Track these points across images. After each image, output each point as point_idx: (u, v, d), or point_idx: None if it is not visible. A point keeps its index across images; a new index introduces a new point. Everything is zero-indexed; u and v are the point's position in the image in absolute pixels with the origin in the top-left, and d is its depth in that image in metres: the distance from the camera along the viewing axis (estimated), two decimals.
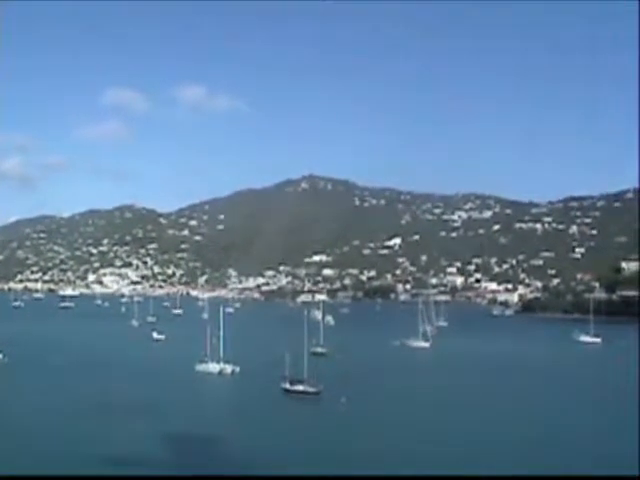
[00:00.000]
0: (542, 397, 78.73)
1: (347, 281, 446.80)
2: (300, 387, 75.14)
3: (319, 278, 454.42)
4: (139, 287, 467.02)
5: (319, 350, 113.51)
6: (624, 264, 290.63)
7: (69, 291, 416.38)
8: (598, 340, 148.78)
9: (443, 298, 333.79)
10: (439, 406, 71.99)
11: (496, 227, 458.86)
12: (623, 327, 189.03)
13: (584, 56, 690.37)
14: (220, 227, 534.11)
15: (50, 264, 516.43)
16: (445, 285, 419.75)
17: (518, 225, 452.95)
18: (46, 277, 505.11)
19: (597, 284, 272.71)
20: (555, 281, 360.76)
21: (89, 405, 66.94)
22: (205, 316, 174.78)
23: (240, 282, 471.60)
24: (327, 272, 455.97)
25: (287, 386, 76.27)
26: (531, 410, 70.38)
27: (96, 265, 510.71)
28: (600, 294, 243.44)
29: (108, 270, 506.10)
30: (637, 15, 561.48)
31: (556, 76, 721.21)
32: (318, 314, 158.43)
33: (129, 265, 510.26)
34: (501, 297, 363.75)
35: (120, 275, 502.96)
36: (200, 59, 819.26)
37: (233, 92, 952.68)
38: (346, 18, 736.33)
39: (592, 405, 75.09)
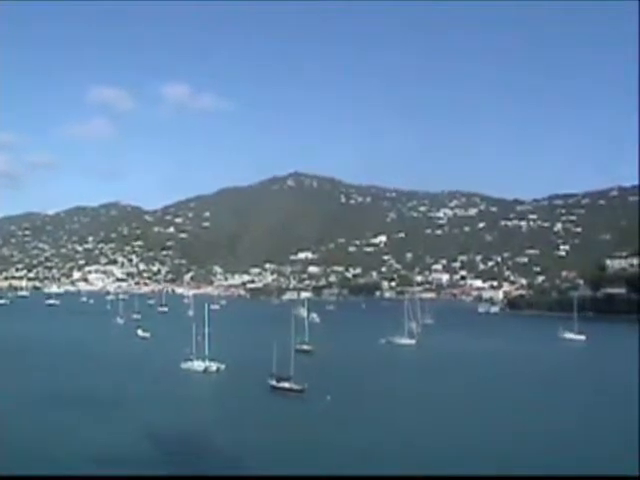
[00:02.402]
0: (534, 395, 78.58)
1: (332, 278, 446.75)
2: (286, 384, 75.27)
3: (304, 275, 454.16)
4: (124, 284, 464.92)
5: (305, 347, 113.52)
6: (608, 261, 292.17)
7: (54, 288, 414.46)
8: (582, 337, 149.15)
9: (428, 295, 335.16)
10: (424, 404, 72.05)
11: (481, 225, 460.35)
12: (607, 324, 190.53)
13: (579, 55, 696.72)
14: (206, 224, 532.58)
15: (35, 261, 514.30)
16: (430, 282, 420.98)
17: (503, 223, 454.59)
18: (31, 274, 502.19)
19: (582, 281, 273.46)
20: (540, 278, 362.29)
21: (67, 402, 66.72)
22: (190, 313, 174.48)
23: (226, 279, 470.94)
24: (312, 269, 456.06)
25: (274, 383, 76.46)
26: (523, 408, 70.24)
27: (81, 262, 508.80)
28: (585, 291, 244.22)
29: (93, 267, 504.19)
30: (637, 15, 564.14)
31: (543, 74, 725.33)
32: (303, 311, 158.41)
33: (114, 262, 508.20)
34: (486, 294, 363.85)
35: (105, 272, 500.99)
36: (184, 57, 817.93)
37: (218, 90, 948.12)
38: (331, 14, 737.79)
39: (580, 402, 75.40)
